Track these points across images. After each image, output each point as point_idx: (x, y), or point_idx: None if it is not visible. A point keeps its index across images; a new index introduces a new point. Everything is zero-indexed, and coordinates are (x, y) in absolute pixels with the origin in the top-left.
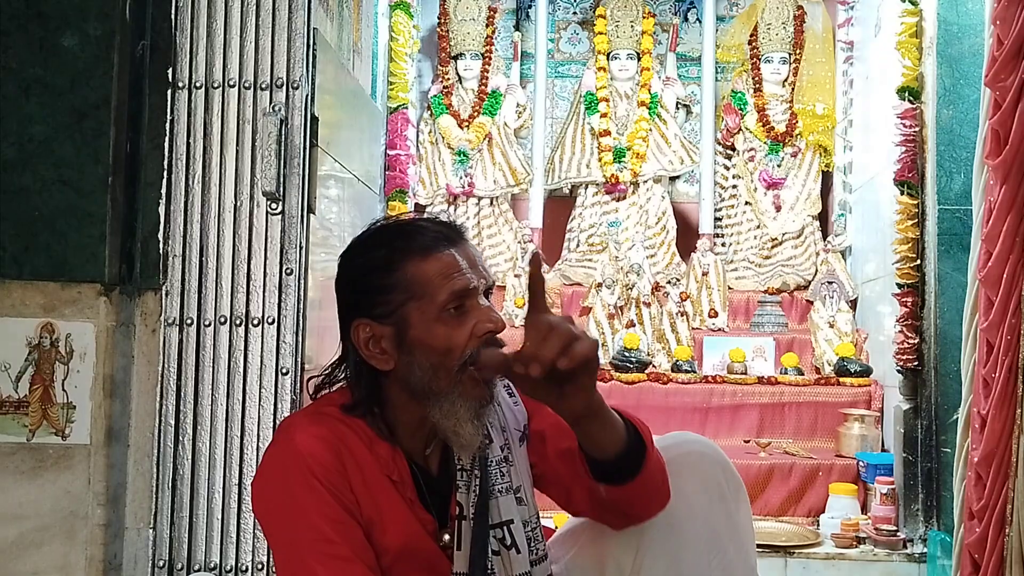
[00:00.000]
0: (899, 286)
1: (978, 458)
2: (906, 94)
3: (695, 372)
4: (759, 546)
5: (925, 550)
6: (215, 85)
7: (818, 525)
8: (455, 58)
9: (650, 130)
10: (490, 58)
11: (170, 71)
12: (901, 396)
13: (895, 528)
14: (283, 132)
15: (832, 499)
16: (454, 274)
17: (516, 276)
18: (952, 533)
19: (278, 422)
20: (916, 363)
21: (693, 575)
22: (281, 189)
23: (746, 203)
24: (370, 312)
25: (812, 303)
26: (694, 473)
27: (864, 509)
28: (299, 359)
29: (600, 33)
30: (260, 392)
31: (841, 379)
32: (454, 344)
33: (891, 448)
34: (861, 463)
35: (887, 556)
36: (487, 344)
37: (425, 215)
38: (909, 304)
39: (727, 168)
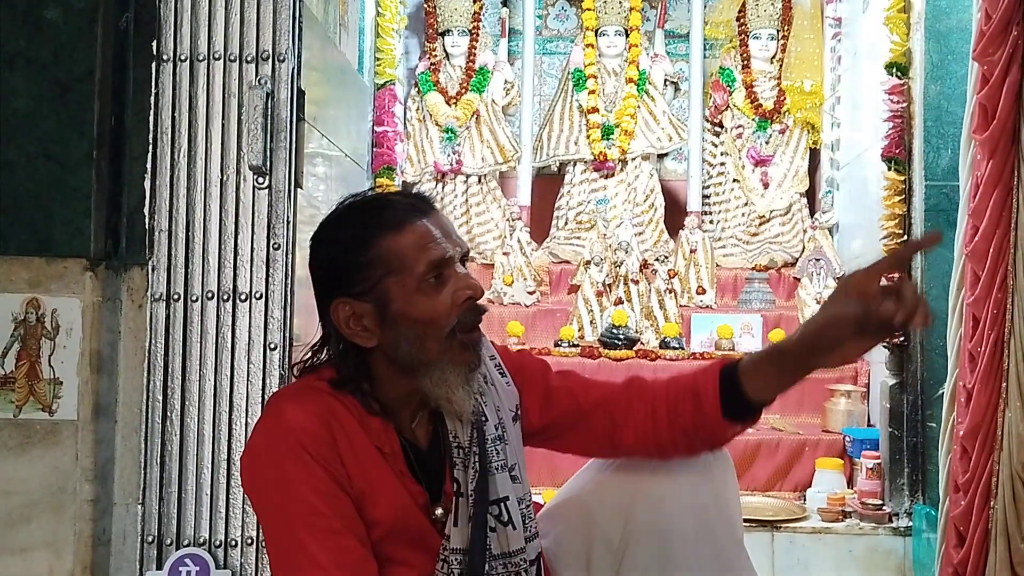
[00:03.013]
0: None
1: (964, 432)
2: (894, 70)
3: (683, 349)
4: (746, 521)
5: (911, 524)
6: (200, 58)
7: (805, 500)
8: (442, 35)
9: (638, 107)
10: (477, 35)
11: (154, 44)
12: (887, 371)
13: (881, 502)
14: (269, 105)
15: (818, 474)
16: (429, 244)
17: (505, 254)
18: (937, 507)
19: (266, 397)
20: (902, 338)
21: (681, 550)
22: (268, 163)
23: (734, 180)
24: (349, 290)
25: (799, 280)
26: None
27: (850, 483)
28: (287, 334)
29: (588, 9)
30: (248, 367)
31: None
32: (437, 313)
33: (877, 423)
34: (847, 438)
35: (873, 530)
36: (469, 310)
37: (391, 189)
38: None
39: (715, 145)
